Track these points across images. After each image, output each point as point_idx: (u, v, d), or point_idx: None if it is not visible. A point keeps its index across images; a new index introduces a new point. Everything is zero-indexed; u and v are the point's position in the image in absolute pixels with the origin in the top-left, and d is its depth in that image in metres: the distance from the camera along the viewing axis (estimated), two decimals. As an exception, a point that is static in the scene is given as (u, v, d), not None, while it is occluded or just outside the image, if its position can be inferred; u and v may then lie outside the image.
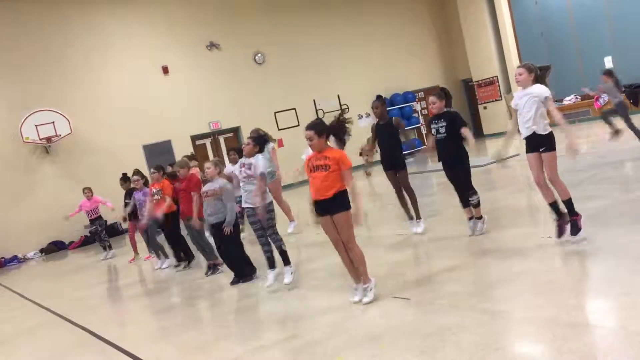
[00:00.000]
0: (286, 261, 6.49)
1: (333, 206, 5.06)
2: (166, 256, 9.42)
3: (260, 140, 7.27)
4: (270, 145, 9.61)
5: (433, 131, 6.77)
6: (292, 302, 5.89)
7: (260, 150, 6.93)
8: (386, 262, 6.71)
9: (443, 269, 5.89)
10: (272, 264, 6.54)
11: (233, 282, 7.02)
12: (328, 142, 5.23)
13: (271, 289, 6.44)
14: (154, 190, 8.72)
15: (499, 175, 11.76)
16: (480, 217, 6.81)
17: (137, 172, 9.50)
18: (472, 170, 6.90)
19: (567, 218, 5.67)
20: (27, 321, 7.77)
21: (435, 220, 7.94)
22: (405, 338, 4.23)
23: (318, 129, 5.10)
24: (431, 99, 6.81)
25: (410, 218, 7.74)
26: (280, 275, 6.53)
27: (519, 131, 5.89)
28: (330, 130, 5.20)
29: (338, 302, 5.44)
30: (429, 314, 4.67)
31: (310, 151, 5.36)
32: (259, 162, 6.58)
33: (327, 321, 5.02)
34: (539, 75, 5.73)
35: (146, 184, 9.44)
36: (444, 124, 6.62)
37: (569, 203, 5.65)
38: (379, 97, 7.95)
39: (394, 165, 7.54)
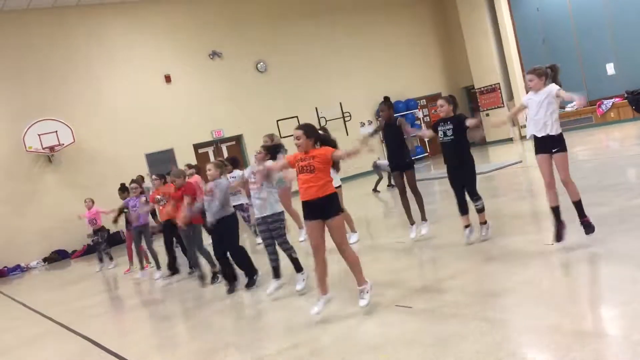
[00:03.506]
0: (298, 268, 6.47)
1: (326, 209, 5.10)
2: (159, 267, 9.46)
3: (274, 149, 7.25)
4: (281, 156, 9.50)
5: (440, 134, 6.77)
6: (295, 310, 5.88)
7: (272, 159, 6.92)
8: (388, 270, 6.69)
9: (445, 277, 5.88)
10: (277, 274, 6.53)
11: (248, 285, 7.00)
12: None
13: (273, 296, 6.44)
14: (158, 197, 8.76)
15: (501, 182, 11.77)
16: (484, 222, 6.83)
17: (134, 180, 9.89)
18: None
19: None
20: (30, 331, 7.76)
21: (437, 227, 7.93)
22: (408, 347, 4.22)
23: (306, 129, 5.26)
24: (440, 102, 6.82)
25: (412, 223, 7.74)
26: (284, 285, 6.53)
27: (513, 124, 5.98)
28: (320, 138, 5.29)
29: (342, 310, 5.43)
30: (431, 323, 4.66)
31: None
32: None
33: (329, 330, 5.01)
34: (551, 75, 5.78)
35: (142, 193, 9.74)
36: (451, 126, 6.63)
37: (578, 204, 5.72)
38: (386, 99, 7.89)
39: (400, 166, 7.62)
